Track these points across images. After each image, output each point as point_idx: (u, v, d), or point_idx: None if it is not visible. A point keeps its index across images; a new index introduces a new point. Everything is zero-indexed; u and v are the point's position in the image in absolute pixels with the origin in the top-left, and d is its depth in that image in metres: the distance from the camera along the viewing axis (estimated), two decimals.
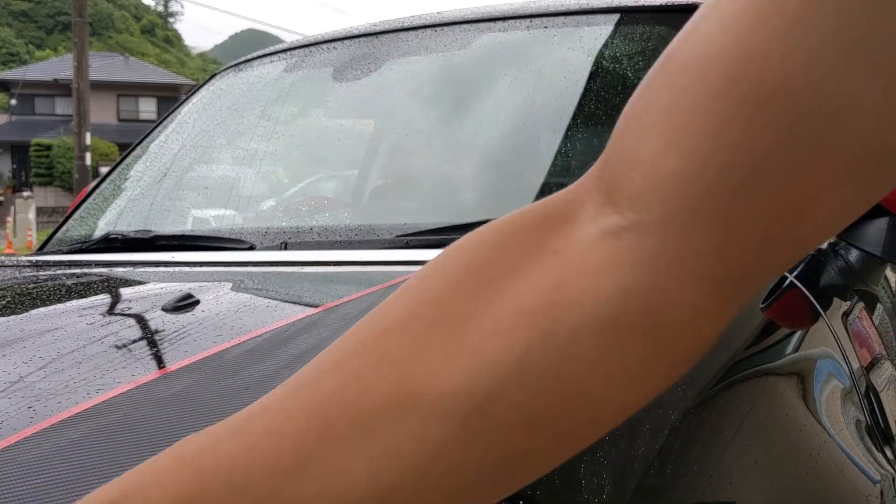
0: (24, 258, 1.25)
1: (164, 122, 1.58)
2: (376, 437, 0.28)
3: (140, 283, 0.97)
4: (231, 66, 1.62)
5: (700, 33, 0.28)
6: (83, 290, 0.94)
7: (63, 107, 31.12)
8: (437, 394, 0.28)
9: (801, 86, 0.26)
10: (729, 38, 0.27)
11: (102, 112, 30.21)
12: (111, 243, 1.23)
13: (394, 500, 0.28)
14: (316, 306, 0.77)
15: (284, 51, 1.54)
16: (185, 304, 0.76)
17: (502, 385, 0.28)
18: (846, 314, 0.97)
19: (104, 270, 1.07)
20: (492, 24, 1.32)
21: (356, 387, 0.29)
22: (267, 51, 1.59)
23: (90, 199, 1.47)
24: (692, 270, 0.28)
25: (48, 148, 27.79)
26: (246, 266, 1.01)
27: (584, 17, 1.27)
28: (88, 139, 12.59)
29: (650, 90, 0.30)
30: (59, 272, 1.08)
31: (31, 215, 14.56)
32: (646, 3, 1.26)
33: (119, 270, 1.06)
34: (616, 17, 1.26)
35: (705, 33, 0.28)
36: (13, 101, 32.85)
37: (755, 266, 0.29)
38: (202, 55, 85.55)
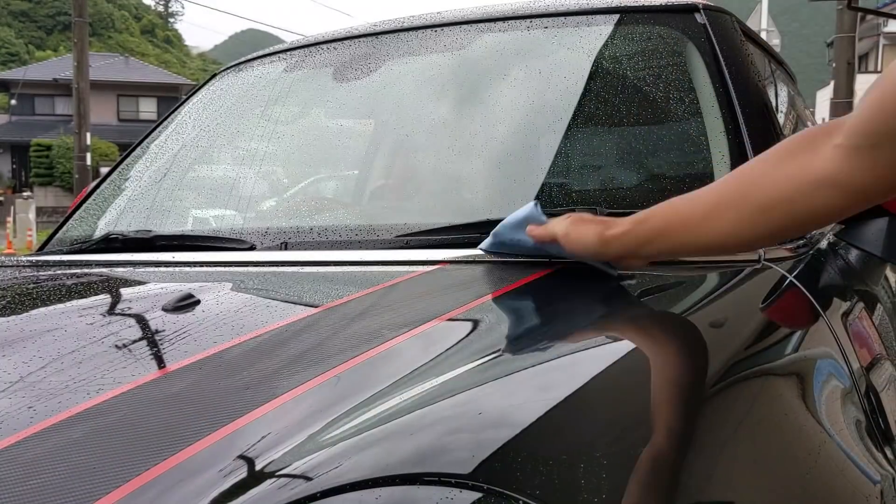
0: (24, 258, 1.25)
1: (164, 122, 1.58)
2: (737, 212, 0.74)
3: (140, 283, 0.97)
4: (231, 66, 1.62)
5: (885, 80, 0.65)
6: (83, 290, 0.94)
7: (63, 107, 31.11)
8: (752, 199, 0.73)
9: None
10: (886, 85, 0.65)
11: (102, 112, 30.20)
12: (111, 243, 1.23)
13: (740, 240, 0.77)
14: (316, 306, 0.77)
15: (284, 51, 1.54)
16: (185, 304, 0.76)
17: (780, 201, 0.72)
18: (846, 314, 0.97)
19: (104, 270, 1.07)
20: (492, 24, 1.32)
21: (738, 189, 0.75)
22: (267, 51, 1.59)
23: (90, 199, 1.47)
24: (859, 169, 0.68)
25: (48, 148, 27.77)
26: (246, 266, 1.01)
27: (584, 17, 1.27)
28: (88, 139, 12.58)
29: (876, 81, 0.68)
30: (59, 272, 1.08)
31: (31, 215, 14.55)
32: (646, 3, 1.26)
33: (119, 270, 1.06)
34: (616, 17, 1.26)
35: (883, 80, 0.66)
36: (13, 101, 32.84)
37: (885, 175, 0.68)
38: (202, 55, 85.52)
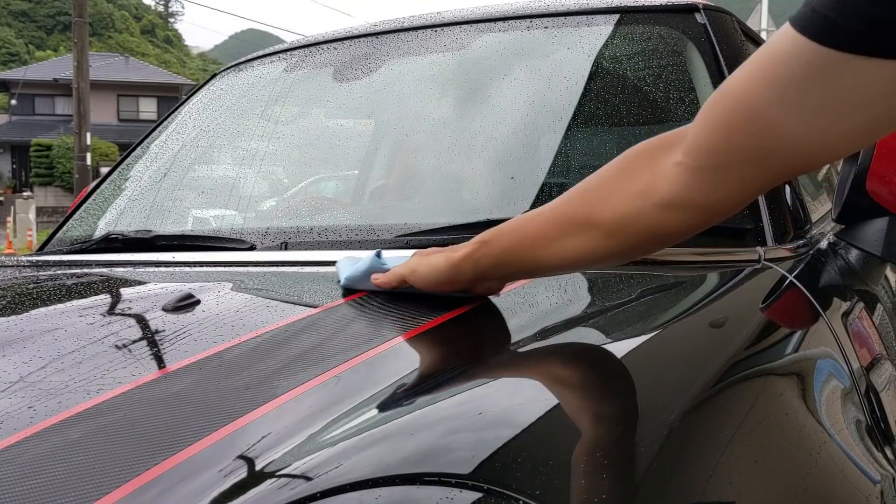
0: (24, 258, 1.25)
1: (165, 122, 1.58)
2: (581, 233, 0.69)
3: (140, 283, 0.97)
4: (231, 66, 1.62)
5: (728, 82, 0.60)
6: (83, 290, 0.94)
7: (63, 107, 31.11)
8: (598, 220, 0.68)
9: (756, 115, 0.57)
10: (738, 84, 0.59)
11: (102, 112, 30.20)
12: (111, 243, 1.23)
13: (582, 261, 0.71)
14: (316, 306, 0.77)
15: (284, 51, 1.54)
16: (185, 304, 0.76)
17: (624, 223, 0.67)
18: (846, 314, 0.97)
19: (104, 270, 1.07)
20: (492, 24, 1.32)
21: (579, 207, 0.69)
22: (267, 51, 1.59)
23: (90, 199, 1.47)
24: (702, 190, 0.63)
25: (48, 148, 27.77)
26: (246, 266, 1.01)
27: (583, 18, 1.27)
28: (88, 139, 12.59)
29: (710, 97, 0.62)
30: (59, 272, 1.08)
31: (31, 215, 14.55)
32: (646, 3, 1.26)
33: (119, 270, 1.06)
34: (616, 17, 1.26)
35: (732, 76, 0.60)
36: (13, 101, 32.84)
37: (727, 196, 0.63)
38: (202, 55, 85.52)
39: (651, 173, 0.65)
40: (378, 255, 0.80)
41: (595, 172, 0.70)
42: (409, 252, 0.81)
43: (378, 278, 0.78)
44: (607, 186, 0.69)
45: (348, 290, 0.81)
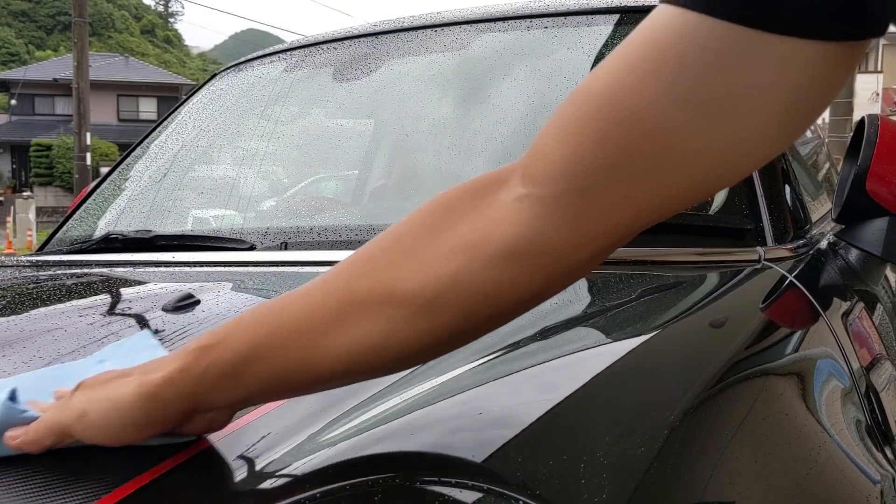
0: (24, 258, 1.25)
1: (164, 122, 1.58)
2: (370, 316, 0.47)
3: (140, 283, 0.97)
4: (231, 66, 1.62)
5: (594, 75, 0.45)
6: (83, 290, 0.94)
7: (63, 107, 31.11)
8: (402, 293, 0.47)
9: (637, 119, 0.43)
10: (605, 82, 0.44)
11: (102, 112, 30.19)
12: (111, 243, 1.23)
13: (373, 355, 0.48)
14: None
15: (284, 51, 1.54)
16: (185, 304, 0.76)
17: (442, 291, 0.46)
18: (846, 314, 0.97)
19: (104, 270, 1.07)
20: (492, 24, 1.32)
21: (360, 283, 0.49)
22: (267, 51, 1.59)
23: (90, 199, 1.47)
24: (562, 227, 0.46)
25: (48, 148, 27.77)
26: (246, 266, 1.01)
27: (583, 17, 1.27)
28: (88, 139, 12.59)
29: (560, 109, 0.47)
30: (59, 272, 1.08)
31: (31, 215, 14.55)
32: (646, 3, 1.26)
33: (119, 270, 1.06)
34: (616, 17, 1.26)
35: (596, 76, 0.45)
36: (13, 101, 32.83)
37: (600, 225, 0.46)
38: (202, 55, 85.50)
39: (479, 219, 0.47)
40: (12, 396, 0.51)
41: (385, 232, 0.51)
42: (59, 374, 0.57)
43: (18, 436, 0.48)
44: (412, 246, 0.48)
45: None
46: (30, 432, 0.48)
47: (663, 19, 0.43)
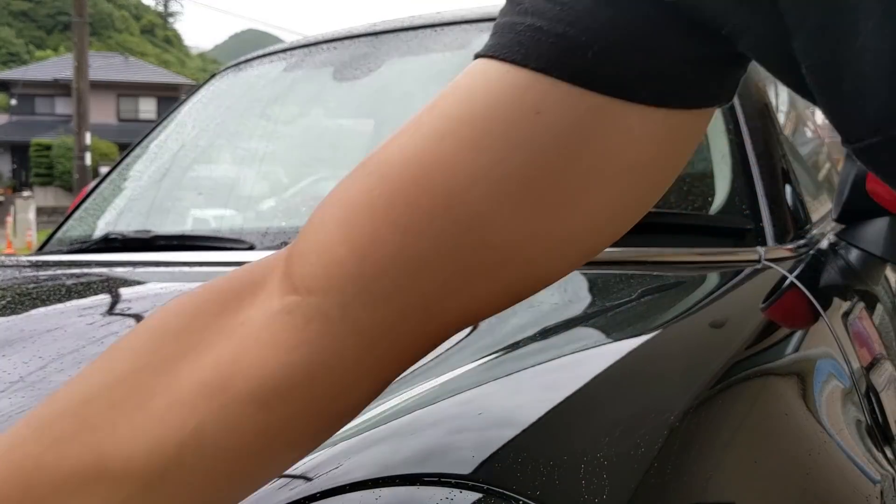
0: (24, 258, 1.25)
1: (164, 122, 1.58)
2: (73, 501, 0.31)
3: (140, 283, 0.97)
4: (231, 66, 1.62)
5: (395, 144, 0.34)
6: (83, 290, 0.94)
7: (63, 107, 31.11)
8: (121, 463, 0.31)
9: (459, 201, 0.32)
10: (411, 153, 0.33)
11: (102, 112, 30.20)
12: (111, 243, 1.23)
13: None
14: None
15: (284, 51, 1.54)
16: None
17: (179, 454, 0.31)
18: (846, 314, 0.97)
19: (104, 270, 1.07)
20: (491, 24, 1.32)
21: (57, 452, 0.31)
22: (267, 51, 1.59)
23: (90, 199, 1.47)
24: (349, 349, 0.33)
25: (48, 148, 27.78)
26: None
27: None
28: (88, 139, 12.59)
29: (343, 184, 0.35)
30: (59, 272, 1.08)
31: (31, 215, 14.55)
32: None
33: (119, 270, 1.06)
34: None
35: (398, 143, 0.34)
36: (13, 101, 32.84)
37: (399, 343, 0.34)
38: (202, 55, 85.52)
39: (229, 344, 0.33)
40: None
41: (90, 367, 0.35)
42: None
43: None
44: (132, 391, 0.32)
45: None
46: None
47: (485, 77, 0.34)
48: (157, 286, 0.92)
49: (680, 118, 0.34)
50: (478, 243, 0.33)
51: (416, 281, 0.33)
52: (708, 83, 0.34)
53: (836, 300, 0.98)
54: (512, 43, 0.34)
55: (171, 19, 78.39)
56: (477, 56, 0.35)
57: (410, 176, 0.33)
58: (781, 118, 1.50)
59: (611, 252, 0.85)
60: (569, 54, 0.32)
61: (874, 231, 0.98)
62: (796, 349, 0.79)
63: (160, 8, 77.67)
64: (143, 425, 0.32)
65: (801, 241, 1.01)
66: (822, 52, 0.30)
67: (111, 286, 0.96)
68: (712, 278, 0.87)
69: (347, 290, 0.33)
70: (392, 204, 0.33)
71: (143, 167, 1.48)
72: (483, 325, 0.73)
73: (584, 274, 0.86)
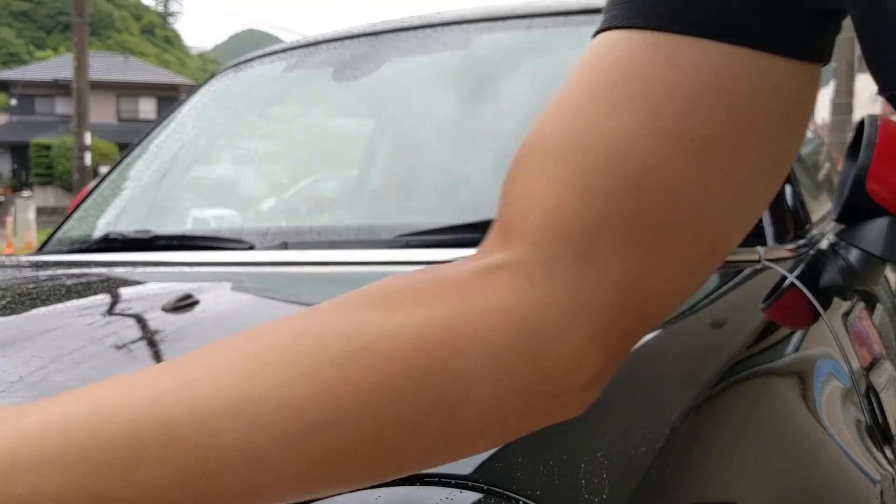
0: (24, 258, 1.25)
1: (164, 122, 1.58)
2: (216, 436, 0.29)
3: (140, 283, 0.97)
4: (231, 66, 1.62)
5: (555, 111, 0.37)
6: (83, 290, 0.94)
7: (63, 107, 31.12)
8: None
9: (627, 158, 0.33)
10: (571, 119, 0.35)
11: (102, 112, 30.21)
12: (111, 243, 1.23)
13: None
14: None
15: (284, 51, 1.54)
16: (184, 304, 0.76)
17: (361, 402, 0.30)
18: (846, 314, 0.97)
19: (104, 270, 1.07)
20: (492, 24, 1.32)
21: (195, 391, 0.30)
22: (267, 51, 1.59)
23: (90, 199, 1.47)
24: (555, 301, 0.33)
25: (48, 148, 27.79)
26: (246, 266, 1.01)
27: (584, 17, 1.27)
28: (88, 139, 12.59)
29: (516, 166, 0.37)
30: (59, 272, 1.08)
31: (31, 215, 14.55)
32: None
33: (119, 270, 1.06)
34: None
35: (558, 110, 0.37)
36: (13, 101, 32.85)
37: (607, 315, 0.34)
38: (202, 55, 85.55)
39: (434, 302, 0.33)
40: None
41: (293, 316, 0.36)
42: None
43: None
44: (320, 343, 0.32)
45: None
46: None
47: (613, 46, 0.36)
48: (157, 286, 0.92)
49: (803, 71, 0.36)
50: (654, 197, 0.34)
51: (608, 242, 0.34)
52: (820, 36, 0.36)
53: (836, 300, 0.98)
54: (627, 10, 0.35)
55: (170, 19, 78.41)
56: (596, 34, 0.37)
57: (575, 145, 0.34)
58: None
59: None
60: (688, 9, 0.34)
61: (874, 231, 0.98)
62: (796, 349, 0.79)
63: (160, 8, 77.69)
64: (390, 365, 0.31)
65: (801, 241, 1.01)
66: (866, 3, 0.33)
67: (111, 286, 0.96)
68: (712, 278, 0.87)
69: (549, 249, 0.34)
70: (566, 171, 0.34)
71: (143, 167, 1.48)
72: None
73: None
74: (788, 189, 1.07)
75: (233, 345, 0.33)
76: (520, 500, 0.38)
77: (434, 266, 0.35)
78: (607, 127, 0.34)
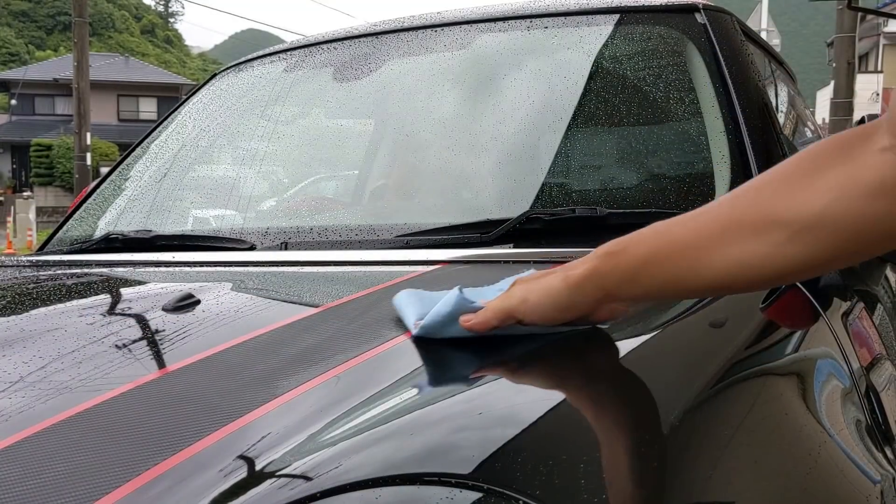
0: (24, 258, 1.25)
1: (165, 122, 1.58)
2: (751, 236, 0.56)
3: (140, 283, 0.97)
4: (231, 66, 1.62)
5: None
6: (83, 290, 0.94)
7: (63, 107, 31.11)
8: (781, 218, 0.55)
9: None
10: None
11: (102, 112, 30.20)
12: (111, 243, 1.23)
13: (755, 268, 0.56)
14: (316, 306, 0.77)
15: (284, 51, 1.54)
16: (185, 303, 0.76)
17: (817, 219, 0.54)
18: (846, 314, 0.97)
19: (104, 270, 1.07)
20: (492, 24, 1.32)
21: (746, 209, 0.58)
22: (267, 51, 1.59)
23: (90, 199, 1.47)
24: None
25: (48, 148, 27.78)
26: (246, 266, 1.01)
27: (583, 17, 1.27)
28: (88, 139, 12.59)
29: None
30: (59, 272, 1.08)
31: (31, 215, 14.55)
32: (646, 3, 1.26)
33: (119, 270, 1.06)
34: (616, 17, 1.26)
35: None
36: (13, 101, 32.85)
37: None
38: (202, 55, 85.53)
39: (847, 166, 0.54)
40: (461, 291, 0.64)
41: (760, 175, 0.59)
42: (498, 286, 0.68)
43: (470, 319, 0.61)
44: (787, 183, 0.56)
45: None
46: (479, 315, 0.61)
47: None
48: (158, 286, 0.92)
49: None
50: None
51: None
52: None
53: (836, 300, 0.98)
54: None
55: (171, 19, 78.40)
56: None
57: None
58: (781, 118, 1.50)
59: None
60: None
61: None
62: (796, 349, 0.79)
63: (160, 8, 77.68)
64: (795, 199, 0.55)
65: None
66: None
67: (111, 286, 0.96)
68: None
69: None
70: None
71: (144, 167, 1.48)
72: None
73: None
74: None
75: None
76: (520, 500, 0.38)
77: (846, 139, 0.57)
78: None
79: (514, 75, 1.25)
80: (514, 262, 0.90)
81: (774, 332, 0.79)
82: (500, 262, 0.92)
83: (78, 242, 1.32)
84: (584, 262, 0.61)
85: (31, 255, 1.34)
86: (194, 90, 1.63)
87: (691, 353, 0.66)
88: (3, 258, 1.28)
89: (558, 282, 0.61)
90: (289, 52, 1.52)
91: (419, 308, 0.65)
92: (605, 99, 1.16)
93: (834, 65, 9.33)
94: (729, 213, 0.58)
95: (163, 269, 1.04)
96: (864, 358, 0.93)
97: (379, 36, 1.40)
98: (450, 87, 1.30)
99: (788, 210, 0.55)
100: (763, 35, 6.92)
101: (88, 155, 12.55)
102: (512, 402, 0.52)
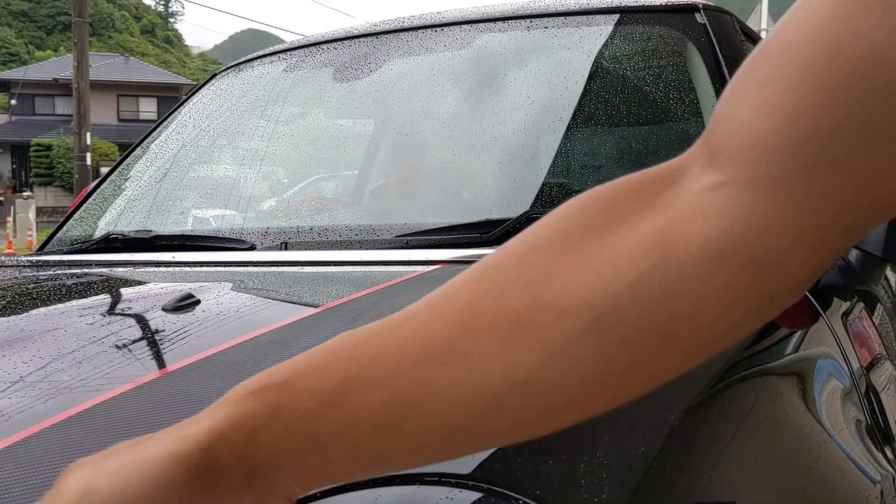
0: (24, 258, 1.25)
1: (165, 122, 1.58)
2: (509, 341, 0.34)
3: (140, 283, 0.97)
4: (231, 66, 1.62)
5: (795, 19, 0.35)
6: (83, 290, 0.94)
7: (63, 107, 31.12)
8: (562, 308, 0.34)
9: (875, 66, 0.31)
10: (816, 24, 0.33)
11: (102, 112, 30.20)
12: (111, 243, 1.23)
13: (517, 394, 0.34)
14: (316, 306, 0.77)
15: (284, 51, 1.54)
16: (185, 303, 0.76)
17: (616, 303, 0.34)
18: (846, 314, 0.97)
19: (104, 270, 1.07)
20: (492, 24, 1.32)
21: (496, 298, 0.35)
22: (267, 51, 1.59)
23: (90, 199, 1.47)
24: (782, 219, 0.33)
25: (48, 148, 27.79)
26: (246, 266, 1.01)
27: (583, 17, 1.27)
28: (88, 139, 12.59)
29: (749, 68, 0.36)
30: (59, 272, 1.08)
31: (31, 215, 14.55)
32: (646, 3, 1.26)
33: (119, 270, 1.06)
34: (616, 17, 1.26)
35: (800, 19, 0.34)
36: (13, 101, 32.85)
37: (837, 219, 0.33)
38: (202, 55, 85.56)
39: (662, 217, 0.35)
40: None
41: (515, 242, 0.37)
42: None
43: None
44: (566, 253, 0.35)
45: None
46: None
47: None
48: (157, 286, 0.92)
49: None
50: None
51: (844, 149, 0.33)
52: None
53: (836, 300, 0.98)
54: None
55: (171, 19, 78.40)
56: None
57: (819, 50, 0.33)
58: None
59: None
60: None
61: (874, 231, 0.98)
62: (796, 349, 0.79)
63: (160, 8, 77.69)
64: (579, 278, 0.34)
65: None
66: None
67: (111, 286, 0.96)
68: None
69: (776, 161, 0.33)
70: (806, 77, 0.33)
71: (144, 167, 1.48)
72: None
73: None
74: None
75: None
76: (520, 500, 0.38)
77: (641, 182, 0.37)
78: (856, 34, 0.32)
79: (514, 75, 1.25)
80: None
81: (774, 332, 0.79)
82: None
83: (78, 242, 1.32)
84: (212, 413, 0.35)
85: (31, 255, 1.34)
86: (194, 90, 1.63)
87: None
88: (3, 258, 1.28)
89: (159, 454, 0.34)
90: (289, 53, 1.52)
91: None
92: (605, 99, 1.16)
93: None
94: (468, 310, 0.35)
95: (163, 269, 1.04)
96: (864, 358, 0.93)
97: (379, 36, 1.40)
98: (450, 87, 1.30)
99: (568, 296, 0.34)
100: (763, 35, 6.92)
101: (88, 155, 12.55)
102: None
